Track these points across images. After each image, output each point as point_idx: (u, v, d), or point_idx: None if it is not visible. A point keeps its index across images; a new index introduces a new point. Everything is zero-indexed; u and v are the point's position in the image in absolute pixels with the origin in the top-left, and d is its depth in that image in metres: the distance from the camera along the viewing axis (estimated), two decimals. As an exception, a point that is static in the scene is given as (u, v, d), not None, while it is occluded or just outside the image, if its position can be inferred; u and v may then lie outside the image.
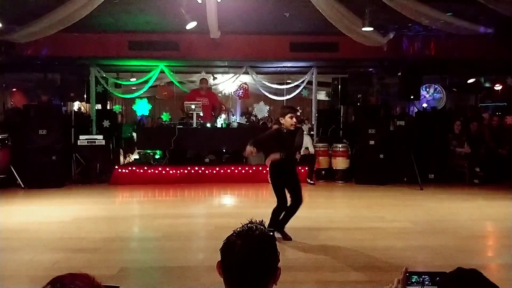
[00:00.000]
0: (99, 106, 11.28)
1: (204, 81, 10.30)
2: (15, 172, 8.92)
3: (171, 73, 10.76)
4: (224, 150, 10.38)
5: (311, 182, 9.37)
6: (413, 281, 1.73)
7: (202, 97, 10.06)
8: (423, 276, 1.74)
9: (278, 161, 5.48)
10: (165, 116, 12.82)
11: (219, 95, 12.44)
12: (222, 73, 11.93)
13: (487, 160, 9.62)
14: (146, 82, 10.78)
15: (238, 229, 1.58)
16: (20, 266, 4.42)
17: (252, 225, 1.59)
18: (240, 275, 1.50)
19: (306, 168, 9.46)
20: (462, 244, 5.17)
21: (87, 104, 11.56)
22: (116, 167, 9.72)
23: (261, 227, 1.59)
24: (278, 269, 1.57)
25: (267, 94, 11.26)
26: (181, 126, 9.75)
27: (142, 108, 12.85)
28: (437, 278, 1.73)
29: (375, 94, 10.71)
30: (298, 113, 5.56)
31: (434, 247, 5.08)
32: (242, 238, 1.53)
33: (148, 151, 10.30)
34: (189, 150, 10.19)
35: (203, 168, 9.57)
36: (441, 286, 1.57)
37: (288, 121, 5.39)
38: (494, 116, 11.07)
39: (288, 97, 11.32)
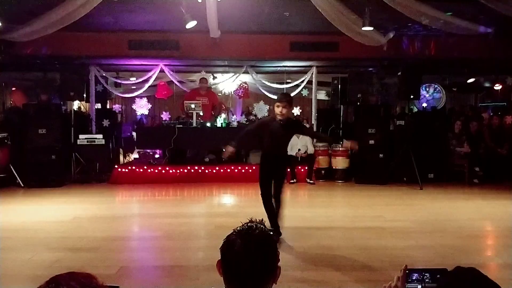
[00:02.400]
0: (98, 106, 11.27)
1: (203, 80, 10.30)
2: (14, 172, 8.92)
3: (171, 72, 10.75)
4: (224, 150, 10.37)
5: (311, 181, 9.37)
6: (414, 278, 1.73)
7: (201, 96, 10.06)
8: (424, 274, 1.74)
9: (267, 153, 5.26)
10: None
11: (219, 94, 12.43)
12: (222, 72, 11.92)
13: (487, 160, 9.63)
14: (146, 81, 10.78)
15: (238, 228, 1.58)
16: (19, 266, 4.42)
17: (252, 224, 1.59)
18: (240, 274, 1.50)
19: (306, 168, 9.48)
20: (461, 244, 5.17)
21: (87, 103, 11.55)
22: (116, 166, 9.73)
23: (261, 226, 1.59)
24: (278, 268, 1.57)
25: (267, 93, 11.26)
26: (181, 126, 9.75)
27: (141, 107, 12.84)
28: (438, 276, 1.73)
29: (375, 94, 10.72)
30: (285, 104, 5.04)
31: (434, 246, 5.08)
32: (243, 237, 1.52)
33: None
34: (189, 149, 10.19)
35: (202, 168, 9.57)
36: (440, 285, 1.56)
37: (275, 110, 5.13)
38: (494, 115, 11.08)
39: (288, 96, 11.29)
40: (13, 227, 5.91)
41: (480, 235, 5.89)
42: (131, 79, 11.61)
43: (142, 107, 12.78)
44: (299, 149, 9.48)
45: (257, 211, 6.67)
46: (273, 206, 5.20)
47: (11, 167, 8.92)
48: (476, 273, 1.49)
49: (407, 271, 1.73)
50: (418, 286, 1.73)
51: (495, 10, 6.66)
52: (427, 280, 1.73)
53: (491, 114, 12.18)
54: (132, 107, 13.28)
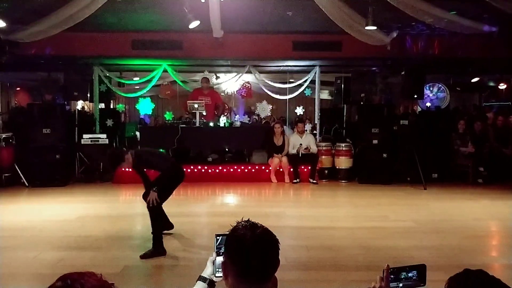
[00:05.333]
0: (102, 105, 11.28)
1: (205, 80, 10.30)
2: (19, 171, 8.95)
3: (174, 72, 10.77)
4: (227, 149, 10.39)
5: (314, 181, 9.36)
6: (402, 277, 1.74)
7: (204, 96, 10.06)
8: (407, 272, 1.75)
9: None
10: (168, 116, 12.79)
11: (221, 94, 12.44)
12: (225, 72, 11.92)
13: (491, 160, 9.58)
14: (149, 81, 10.79)
15: (240, 225, 1.62)
16: (24, 264, 4.44)
17: (252, 222, 1.64)
18: (252, 269, 1.54)
19: (309, 168, 9.47)
20: (466, 244, 5.16)
21: (91, 103, 11.58)
22: (120, 166, 9.72)
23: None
24: (279, 260, 1.63)
25: (269, 93, 11.26)
26: (184, 125, 9.77)
27: (145, 107, 12.85)
28: (423, 273, 1.74)
29: (378, 93, 10.69)
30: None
31: (438, 246, 5.07)
32: (251, 231, 1.58)
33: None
34: (192, 149, 10.21)
35: (206, 167, 9.58)
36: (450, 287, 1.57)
37: None
38: (498, 115, 11.03)
39: (290, 96, 11.31)
40: (17, 226, 5.94)
41: (485, 236, 5.87)
42: (134, 79, 11.64)
43: (145, 107, 12.80)
44: (300, 144, 9.49)
45: (260, 211, 6.69)
46: None
47: (16, 166, 8.95)
48: (485, 276, 1.49)
49: (390, 270, 1.74)
50: (400, 284, 1.74)
51: (499, 8, 6.64)
52: (414, 277, 1.74)
53: (494, 112, 12.14)
54: (136, 106, 13.30)
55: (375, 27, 7.48)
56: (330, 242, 5.25)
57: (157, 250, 4.78)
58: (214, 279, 1.92)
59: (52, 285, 1.22)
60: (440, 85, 11.97)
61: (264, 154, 10.02)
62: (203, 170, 9.52)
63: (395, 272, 1.74)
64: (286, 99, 11.81)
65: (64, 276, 1.23)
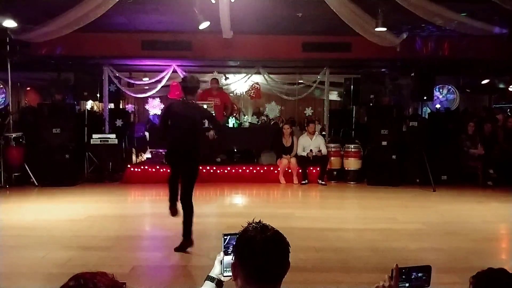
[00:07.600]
0: (112, 105, 11.34)
1: (214, 81, 10.31)
2: (29, 170, 9.02)
3: (184, 73, 10.79)
4: (235, 150, 10.39)
5: (323, 183, 9.34)
6: (412, 277, 1.75)
7: (213, 97, 10.08)
8: (416, 272, 1.75)
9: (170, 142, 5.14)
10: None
11: (230, 95, 12.45)
12: (234, 73, 11.93)
13: (501, 162, 9.50)
14: (158, 81, 10.83)
15: (251, 227, 1.62)
16: (33, 264, 4.47)
17: (262, 223, 1.64)
18: (265, 265, 1.54)
19: (318, 169, 9.45)
20: (475, 246, 5.12)
21: (100, 103, 11.64)
22: (129, 166, 9.79)
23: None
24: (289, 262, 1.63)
25: (278, 94, 11.25)
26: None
27: (154, 107, 12.90)
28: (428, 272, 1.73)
29: (387, 95, 10.64)
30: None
31: (447, 249, 5.04)
32: (261, 233, 1.57)
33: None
34: (201, 149, 10.20)
35: (214, 168, 9.59)
36: (477, 285, 1.58)
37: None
38: (508, 117, 10.93)
39: (299, 97, 11.30)
40: (27, 225, 5.98)
41: (494, 238, 5.83)
42: (144, 79, 11.68)
43: (154, 107, 12.85)
44: (310, 150, 9.46)
45: (268, 212, 6.69)
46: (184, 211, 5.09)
47: (26, 166, 9.03)
48: (507, 273, 1.51)
49: (403, 270, 1.74)
50: (406, 284, 1.74)
51: (509, 10, 6.58)
52: (424, 277, 1.74)
53: (504, 114, 12.03)
54: (145, 107, 13.35)
55: (385, 28, 7.46)
56: (339, 243, 5.23)
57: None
58: (222, 278, 1.92)
59: (64, 285, 1.23)
60: (449, 87, 11.91)
61: (273, 155, 10.01)
62: (211, 171, 9.53)
63: (406, 272, 1.74)
64: (295, 100, 11.79)
65: (77, 276, 1.24)
